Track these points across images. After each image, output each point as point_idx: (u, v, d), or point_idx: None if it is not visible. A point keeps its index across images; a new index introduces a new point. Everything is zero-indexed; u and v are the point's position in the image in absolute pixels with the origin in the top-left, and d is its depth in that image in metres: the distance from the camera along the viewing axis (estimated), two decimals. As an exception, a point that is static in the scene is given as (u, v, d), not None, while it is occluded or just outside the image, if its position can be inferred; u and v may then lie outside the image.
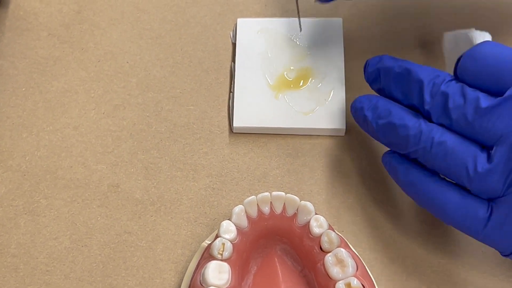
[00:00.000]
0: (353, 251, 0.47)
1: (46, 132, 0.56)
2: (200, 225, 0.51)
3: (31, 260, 0.49)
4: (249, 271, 0.47)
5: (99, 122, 0.57)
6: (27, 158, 0.55)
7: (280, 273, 0.47)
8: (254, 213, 0.46)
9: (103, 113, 0.57)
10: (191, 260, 0.50)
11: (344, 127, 0.55)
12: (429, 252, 0.51)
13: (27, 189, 0.54)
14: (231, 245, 0.45)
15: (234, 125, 0.55)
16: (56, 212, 0.51)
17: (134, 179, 0.53)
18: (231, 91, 0.57)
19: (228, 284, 0.43)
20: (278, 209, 0.47)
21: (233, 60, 0.58)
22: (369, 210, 0.53)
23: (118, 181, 0.53)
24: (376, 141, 0.50)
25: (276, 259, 0.47)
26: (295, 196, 0.48)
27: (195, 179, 0.53)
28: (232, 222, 0.47)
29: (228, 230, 0.45)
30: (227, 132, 0.56)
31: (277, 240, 0.47)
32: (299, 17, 0.48)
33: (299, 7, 0.51)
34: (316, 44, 0.58)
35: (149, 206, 0.52)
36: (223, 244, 0.45)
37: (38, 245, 0.50)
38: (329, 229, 0.47)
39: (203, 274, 0.43)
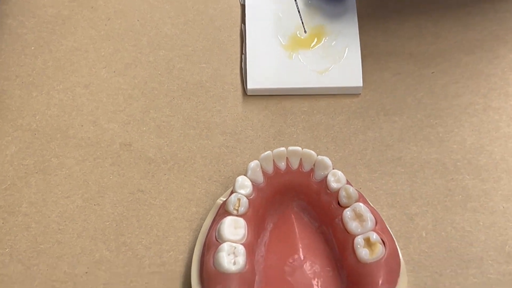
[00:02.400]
0: (372, 207, 0.45)
1: (56, 91, 0.55)
2: (215, 183, 0.50)
3: (43, 219, 0.49)
4: (265, 228, 0.47)
5: (110, 80, 0.55)
6: (37, 117, 0.54)
7: (297, 230, 0.46)
8: (270, 168, 0.46)
9: (114, 71, 0.56)
10: (205, 218, 0.49)
11: (361, 85, 0.54)
12: (448, 209, 0.50)
13: (38, 148, 0.53)
14: (247, 200, 0.44)
15: (248, 88, 0.54)
16: (67, 171, 0.51)
17: (146, 138, 0.52)
18: (243, 53, 0.56)
19: (244, 240, 0.43)
20: (295, 165, 0.46)
21: (243, 22, 0.57)
22: (386, 167, 0.52)
23: (130, 140, 0.52)
24: (393, 98, 0.49)
25: (292, 216, 0.47)
26: (311, 151, 0.47)
27: (209, 137, 0.52)
28: (248, 178, 0.46)
29: (244, 186, 0.45)
30: (240, 90, 0.55)
31: (293, 197, 0.47)
32: (300, 15, 0.46)
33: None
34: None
35: (162, 165, 0.51)
36: (239, 199, 0.44)
37: (49, 204, 0.49)
38: (347, 184, 0.46)
39: (219, 229, 0.43)
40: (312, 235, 0.46)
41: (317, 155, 0.47)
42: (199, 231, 0.48)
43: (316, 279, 0.44)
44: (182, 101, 0.55)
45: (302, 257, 0.45)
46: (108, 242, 0.48)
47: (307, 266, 0.45)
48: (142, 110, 0.53)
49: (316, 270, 0.45)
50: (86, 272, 0.47)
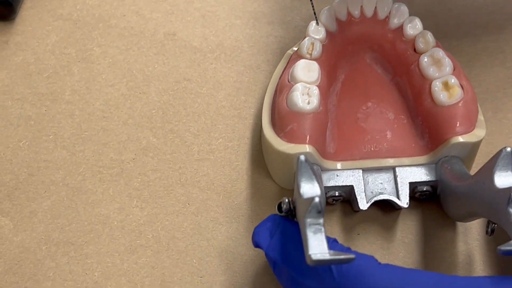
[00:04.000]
0: (449, 53, 0.44)
1: (96, -19, 0.53)
2: (263, 72, 0.49)
3: (87, 107, 0.48)
4: (337, 78, 0.46)
5: (152, -30, 0.54)
6: (78, 7, 0.52)
7: (369, 81, 0.46)
8: (343, 15, 0.45)
9: (156, -38, 0.54)
10: (253, 107, 0.49)
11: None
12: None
13: (79, 37, 0.51)
14: (321, 44, 0.44)
15: None
16: (111, 60, 0.50)
17: (191, 27, 0.51)
18: None
19: (318, 82, 0.42)
20: (369, 13, 0.45)
21: None
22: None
23: (174, 29, 0.51)
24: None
25: (365, 68, 0.47)
26: None
27: (255, 27, 0.51)
28: (321, 23, 0.45)
29: (317, 30, 0.44)
30: (288, -19, 0.53)
31: (366, 48, 0.46)
32: (314, 13, 0.45)
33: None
34: None
35: (208, 54, 0.50)
36: (312, 43, 0.44)
37: (93, 92, 0.49)
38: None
39: (292, 71, 0.42)
40: (385, 86, 0.46)
41: (393, 2, 0.45)
42: (250, 115, 0.48)
43: (390, 125, 0.44)
44: (227, -9, 0.52)
45: (375, 105, 0.45)
46: (154, 129, 0.47)
47: (380, 114, 0.45)
48: (185, 0, 0.52)
49: (390, 118, 0.45)
50: (133, 159, 0.46)
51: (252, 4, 0.52)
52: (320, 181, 0.38)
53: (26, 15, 0.52)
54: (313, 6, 0.44)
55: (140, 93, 0.49)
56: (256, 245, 0.39)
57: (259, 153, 0.47)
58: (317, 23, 0.44)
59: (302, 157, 0.38)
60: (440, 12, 0.52)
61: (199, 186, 0.45)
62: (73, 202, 0.44)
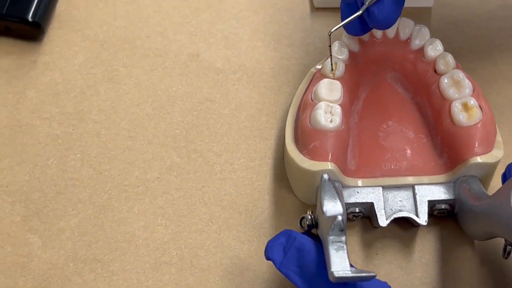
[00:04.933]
0: (468, 75, 0.44)
1: (122, 3, 0.54)
2: (283, 93, 0.50)
3: (113, 126, 0.49)
4: (359, 97, 0.46)
5: (176, -8, 0.54)
6: (104, 28, 0.53)
7: (390, 100, 0.46)
8: (366, 35, 0.45)
9: (180, -16, 0.55)
10: (275, 128, 0.49)
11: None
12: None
13: (106, 58, 0.52)
14: (343, 64, 0.44)
15: (315, 0, 0.53)
16: (136, 80, 0.51)
17: (214, 49, 0.52)
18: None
19: (341, 101, 0.43)
20: (391, 33, 0.45)
21: None
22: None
23: (198, 51, 0.52)
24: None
25: (386, 87, 0.47)
26: (409, 19, 0.46)
27: (276, 49, 0.52)
28: (344, 43, 0.45)
29: (340, 51, 0.45)
30: (307, 3, 0.54)
31: (388, 68, 0.47)
32: (331, 58, 0.44)
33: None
34: None
35: (231, 75, 0.51)
36: (335, 63, 0.44)
37: (119, 112, 0.49)
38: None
39: (315, 90, 0.43)
40: (405, 105, 0.46)
41: (415, 24, 0.45)
42: (271, 135, 0.48)
43: (409, 144, 0.45)
44: (249, 13, 0.54)
45: (395, 124, 0.45)
46: (178, 149, 0.48)
47: (400, 132, 0.45)
48: (209, 22, 0.53)
49: (410, 136, 0.45)
50: (158, 178, 0.47)
51: (273, 26, 0.53)
52: (342, 199, 0.38)
53: (54, 35, 0.53)
54: (330, 51, 0.44)
55: (164, 113, 0.49)
56: (268, 258, 0.39)
57: (281, 172, 0.47)
58: (332, 69, 0.45)
59: (326, 176, 0.39)
60: (456, 35, 0.53)
61: (222, 204, 0.46)
62: (99, 220, 0.45)
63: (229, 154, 0.48)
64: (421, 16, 0.53)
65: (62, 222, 0.45)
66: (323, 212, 0.37)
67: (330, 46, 0.43)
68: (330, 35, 0.43)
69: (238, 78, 0.51)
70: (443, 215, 0.44)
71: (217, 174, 0.47)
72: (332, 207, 0.37)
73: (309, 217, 0.40)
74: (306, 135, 0.42)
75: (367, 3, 0.40)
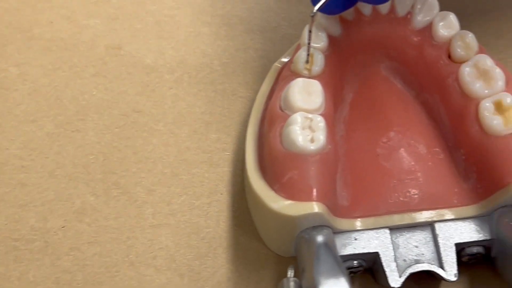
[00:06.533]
0: (498, 61, 0.38)
1: (13, -25, 0.47)
2: (241, 99, 0.43)
3: (-1, 152, 0.41)
4: (344, 100, 0.41)
5: (89, -40, 0.48)
6: (-13, 11, 0.46)
7: (386, 100, 0.41)
8: (349, 12, 0.39)
9: None
10: (229, 149, 0.41)
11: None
12: None
13: (-12, 53, 0.45)
14: (323, 56, 0.38)
15: None
16: (32, 85, 0.44)
17: (142, 38, 0.46)
18: None
19: (323, 109, 0.36)
20: (384, 8, 0.39)
21: None
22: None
23: (119, 41, 0.45)
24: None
25: (380, 82, 0.41)
26: None
27: (229, 37, 0.45)
28: (321, 27, 0.39)
29: (317, 36, 0.38)
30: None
31: (381, 56, 0.41)
32: (308, 48, 0.38)
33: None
34: None
35: (166, 75, 0.44)
36: (312, 54, 0.37)
37: (7, 131, 0.42)
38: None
39: (286, 96, 0.37)
40: (410, 107, 0.41)
41: None
42: (225, 160, 0.42)
43: (422, 163, 0.38)
44: (191, -12, 0.47)
45: (399, 135, 0.39)
46: (93, 183, 0.41)
47: (408, 147, 0.39)
48: (135, 1, 0.47)
49: (421, 152, 0.39)
50: (63, 227, 0.39)
51: (224, 5, 0.47)
52: (346, 275, 0.32)
53: None
54: (309, 39, 0.37)
55: (72, 131, 0.42)
56: None
57: (240, 212, 0.40)
58: (307, 61, 0.38)
59: (321, 239, 0.33)
60: (475, 13, 0.46)
61: (155, 264, 0.38)
62: (-25, 296, 0.37)
63: (165, 189, 0.41)
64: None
65: None
66: None
67: (310, 31, 0.37)
68: (313, 16, 0.36)
69: (176, 79, 0.44)
70: (476, 262, 0.38)
71: (149, 219, 0.40)
72: None
73: (292, 284, 0.33)
74: (278, 163, 0.36)
75: None
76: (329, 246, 0.33)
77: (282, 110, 0.37)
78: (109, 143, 0.42)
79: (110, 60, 0.45)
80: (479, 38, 0.41)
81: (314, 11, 0.36)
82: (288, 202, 0.35)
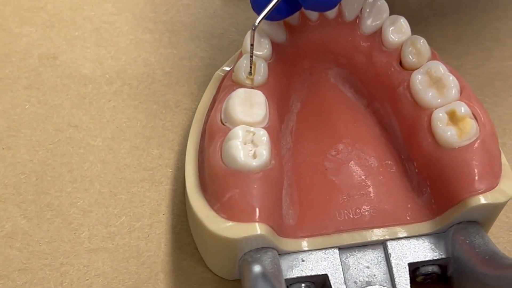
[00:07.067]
0: (451, 67, 0.37)
1: None
2: (185, 111, 0.42)
3: None
4: (290, 110, 0.39)
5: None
6: None
7: (335, 109, 0.39)
8: (294, 17, 0.38)
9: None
10: (172, 166, 0.39)
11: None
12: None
13: None
14: (266, 64, 0.36)
15: None
16: None
17: (79, 47, 0.44)
18: None
19: (266, 122, 0.35)
20: (331, 12, 0.38)
21: None
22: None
23: (54, 50, 0.44)
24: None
25: (329, 91, 0.40)
26: None
27: (173, 45, 0.44)
28: (263, 32, 0.37)
29: (260, 44, 0.37)
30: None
31: (329, 62, 0.40)
32: (251, 59, 0.37)
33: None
34: None
35: (105, 86, 0.43)
36: (254, 63, 0.36)
37: None
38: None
39: (226, 108, 0.35)
40: (359, 116, 0.40)
41: None
42: (168, 178, 0.40)
43: (373, 178, 0.37)
44: (132, -8, 0.46)
45: (349, 147, 0.38)
46: (24, 205, 0.39)
47: (358, 160, 0.38)
48: (72, 7, 0.45)
49: (372, 165, 0.38)
50: None
51: (167, 11, 0.46)
52: None
53: None
54: (251, 50, 0.35)
55: (3, 148, 0.40)
56: None
57: (184, 235, 0.38)
58: (251, 73, 0.36)
59: (258, 269, 0.30)
60: (432, 16, 0.45)
61: None
62: None
63: (102, 210, 0.39)
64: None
65: None
66: None
67: (252, 44, 0.35)
68: (254, 29, 0.34)
69: (116, 90, 0.43)
70: (430, 281, 0.37)
71: (85, 243, 0.38)
72: None
73: None
74: (218, 181, 0.34)
75: None
76: (267, 277, 0.30)
77: (222, 123, 0.35)
78: (42, 160, 0.40)
79: (44, 71, 0.43)
80: (436, 43, 0.40)
81: (256, 23, 0.34)
82: (229, 223, 0.33)
